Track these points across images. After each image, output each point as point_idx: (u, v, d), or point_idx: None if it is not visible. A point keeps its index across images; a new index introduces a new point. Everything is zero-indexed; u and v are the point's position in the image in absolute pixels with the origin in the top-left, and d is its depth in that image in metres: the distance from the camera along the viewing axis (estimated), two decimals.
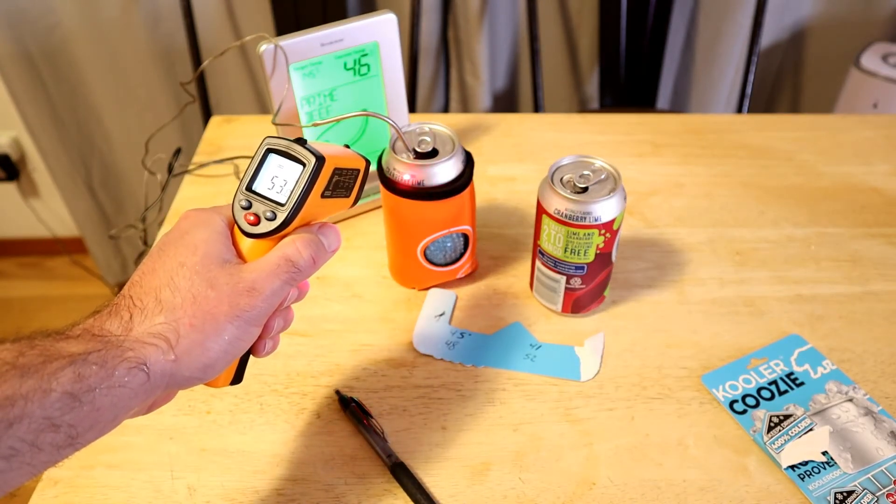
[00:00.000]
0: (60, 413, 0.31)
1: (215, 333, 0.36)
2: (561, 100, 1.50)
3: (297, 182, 0.40)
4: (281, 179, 0.40)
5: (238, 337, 0.37)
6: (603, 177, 0.55)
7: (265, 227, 0.40)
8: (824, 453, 0.50)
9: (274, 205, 0.40)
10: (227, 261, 0.38)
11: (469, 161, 0.58)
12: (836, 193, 0.75)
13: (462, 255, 0.62)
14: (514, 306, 0.63)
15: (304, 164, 0.40)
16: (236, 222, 0.40)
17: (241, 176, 0.41)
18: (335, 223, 0.72)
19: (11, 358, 0.31)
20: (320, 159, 0.40)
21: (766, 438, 0.51)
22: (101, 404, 0.32)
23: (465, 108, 1.48)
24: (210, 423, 0.54)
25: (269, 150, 0.41)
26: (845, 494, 0.48)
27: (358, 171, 0.45)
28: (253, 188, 0.40)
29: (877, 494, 0.47)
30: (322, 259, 0.41)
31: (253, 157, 0.41)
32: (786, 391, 0.55)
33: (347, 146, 0.47)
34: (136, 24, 1.34)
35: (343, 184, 0.43)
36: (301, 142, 0.40)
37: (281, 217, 0.40)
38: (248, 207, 0.40)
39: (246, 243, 0.41)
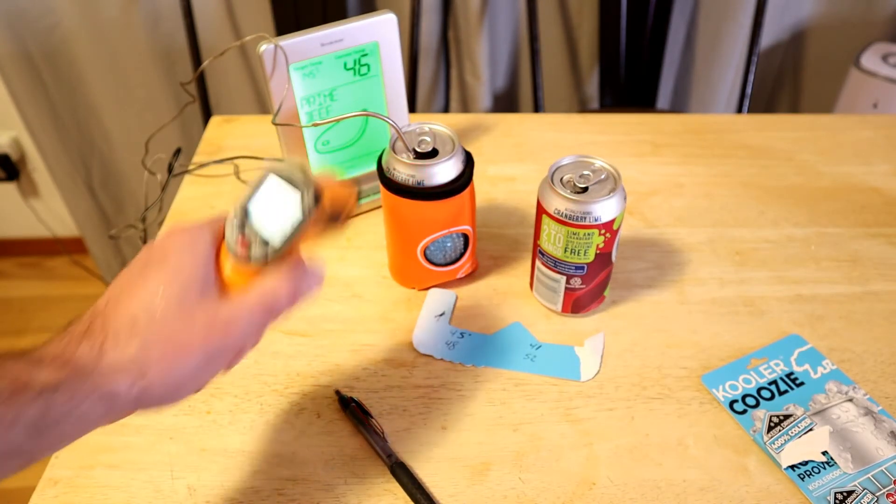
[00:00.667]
0: (23, 441, 0.31)
1: (186, 365, 0.36)
2: (561, 100, 1.50)
3: (293, 213, 0.39)
4: (278, 207, 0.39)
5: (208, 368, 0.37)
6: (603, 177, 0.55)
7: (256, 253, 0.39)
8: (824, 453, 0.50)
9: (268, 233, 0.39)
10: (207, 291, 0.38)
11: (469, 161, 0.58)
12: (836, 193, 0.75)
13: (462, 255, 0.62)
14: (514, 306, 0.63)
15: (301, 196, 0.39)
16: (227, 242, 0.40)
17: (241, 196, 0.40)
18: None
19: None
20: (318, 194, 0.39)
21: (766, 438, 0.51)
22: (65, 432, 0.33)
23: (465, 108, 1.48)
24: (210, 423, 0.54)
25: (270, 172, 0.40)
26: (845, 494, 0.48)
27: (350, 200, 0.43)
28: (249, 211, 0.40)
29: (877, 494, 0.47)
30: (301, 301, 0.40)
31: (255, 179, 0.41)
32: (786, 391, 0.55)
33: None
34: (136, 24, 1.34)
35: (336, 213, 0.42)
36: (304, 171, 0.40)
37: (272, 248, 0.39)
38: (242, 231, 0.39)
39: (230, 264, 0.40)
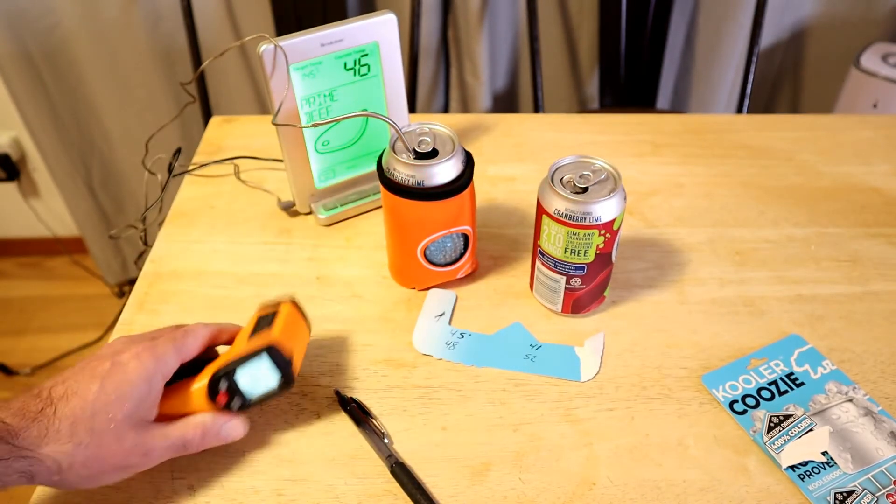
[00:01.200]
0: None
1: (102, 472, 0.44)
2: (561, 100, 1.50)
3: (271, 384, 0.48)
4: (259, 378, 0.48)
5: (117, 475, 0.45)
6: (603, 177, 0.55)
7: (234, 405, 0.48)
8: (824, 453, 0.50)
9: (248, 393, 0.48)
10: (144, 419, 0.45)
11: (469, 161, 0.58)
12: (836, 193, 0.75)
13: (462, 255, 0.62)
14: (514, 306, 0.63)
15: (282, 384, 0.49)
16: (208, 388, 0.47)
17: (233, 358, 0.49)
18: (338, 221, 0.72)
19: None
20: (291, 379, 0.49)
21: (766, 439, 0.51)
22: None
23: (465, 108, 1.48)
24: None
25: (268, 351, 0.48)
26: (845, 495, 0.48)
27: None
28: (236, 375, 0.48)
29: (877, 495, 0.47)
30: (212, 445, 0.48)
31: (252, 351, 0.48)
32: (786, 391, 0.55)
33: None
34: (136, 24, 1.34)
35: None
36: (287, 364, 0.49)
37: (246, 403, 0.48)
38: (226, 390, 0.48)
39: (178, 396, 0.48)
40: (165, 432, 0.46)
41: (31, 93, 1.41)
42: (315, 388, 0.56)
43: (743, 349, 0.58)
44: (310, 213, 0.73)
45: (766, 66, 1.44)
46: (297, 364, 0.50)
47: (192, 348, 0.48)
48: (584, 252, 0.55)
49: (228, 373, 0.47)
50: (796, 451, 0.50)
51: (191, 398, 0.48)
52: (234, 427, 0.49)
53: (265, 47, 0.61)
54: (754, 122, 0.86)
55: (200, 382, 0.48)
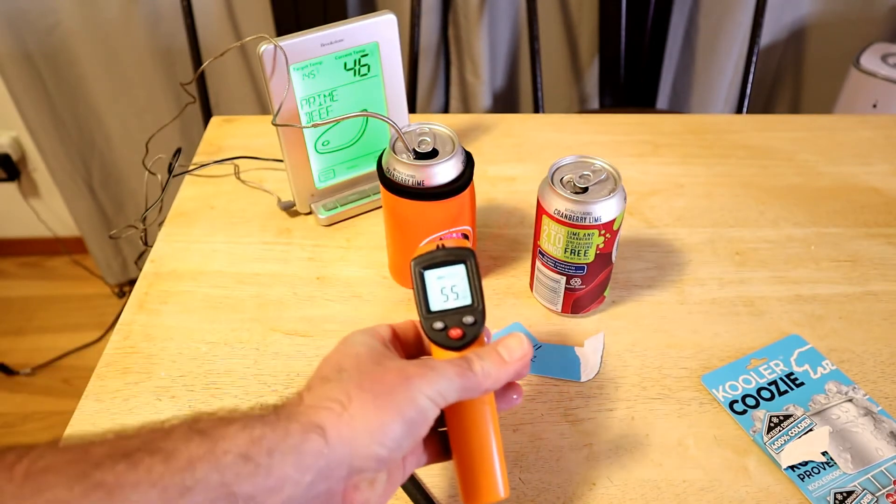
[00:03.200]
0: (236, 478, 0.30)
1: (385, 394, 0.35)
2: (561, 99, 1.50)
3: (468, 279, 0.42)
4: (449, 287, 0.42)
5: (410, 405, 0.35)
6: (603, 177, 0.55)
7: (471, 331, 0.40)
8: (824, 453, 0.50)
9: (465, 310, 0.41)
10: (392, 358, 0.38)
11: (469, 161, 0.58)
12: (836, 193, 0.75)
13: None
14: (514, 306, 0.63)
15: (464, 262, 0.42)
16: (438, 345, 0.40)
17: (416, 305, 0.42)
18: (338, 221, 0.72)
19: (190, 423, 0.31)
20: (471, 251, 0.42)
21: (765, 439, 0.51)
22: (279, 473, 0.31)
23: (466, 107, 1.48)
24: None
25: (422, 269, 0.42)
26: (845, 495, 0.48)
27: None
28: (433, 309, 0.41)
29: (876, 495, 0.48)
30: (500, 372, 0.38)
31: (413, 283, 0.42)
32: (786, 391, 0.55)
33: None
34: (136, 24, 1.34)
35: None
36: (441, 247, 0.43)
37: (479, 314, 0.41)
38: (447, 327, 0.40)
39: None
40: (435, 362, 0.38)
41: (31, 93, 1.41)
42: None
43: (743, 349, 0.58)
44: (310, 213, 0.73)
45: (766, 66, 1.44)
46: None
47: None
48: (584, 252, 0.55)
49: (426, 315, 0.41)
50: (796, 451, 0.50)
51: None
52: (510, 341, 0.39)
53: (265, 47, 0.61)
54: (754, 122, 0.86)
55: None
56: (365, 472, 0.34)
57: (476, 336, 0.40)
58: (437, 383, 0.36)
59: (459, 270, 0.42)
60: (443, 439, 0.41)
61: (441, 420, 0.38)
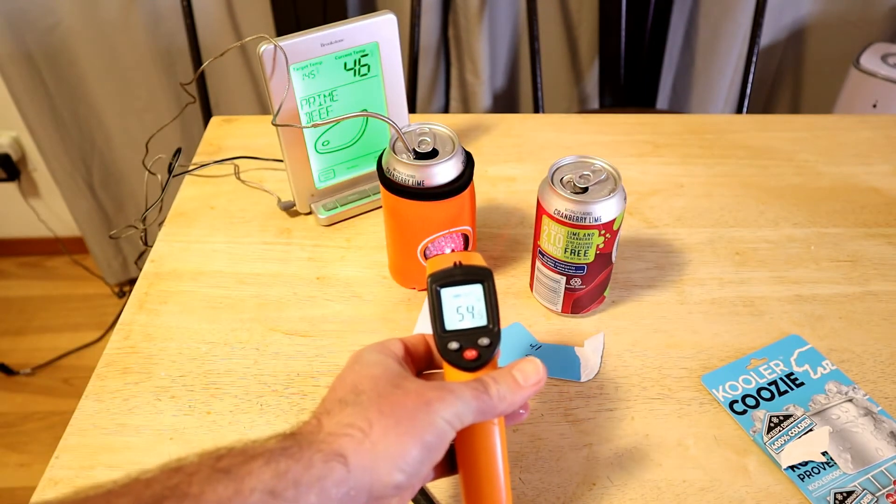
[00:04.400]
0: None
1: (406, 419, 0.35)
2: (561, 99, 1.50)
3: (485, 300, 0.41)
4: (465, 307, 0.41)
5: (430, 429, 0.35)
6: (603, 177, 0.55)
7: (486, 353, 0.40)
8: (824, 454, 0.50)
9: (481, 331, 0.41)
10: (408, 378, 0.38)
11: (469, 161, 0.58)
12: (836, 193, 0.75)
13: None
14: (514, 306, 0.63)
15: (482, 283, 0.42)
16: (452, 365, 0.40)
17: (431, 322, 0.42)
18: (338, 221, 0.72)
19: (212, 462, 0.31)
20: (489, 271, 0.42)
21: (765, 439, 0.51)
22: (306, 503, 0.31)
23: (466, 107, 1.48)
24: (210, 423, 0.54)
25: (439, 287, 0.42)
26: (845, 495, 0.48)
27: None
28: (448, 329, 0.41)
29: (876, 495, 0.48)
30: (515, 396, 0.38)
31: (429, 300, 0.42)
32: (786, 391, 0.55)
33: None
34: (136, 24, 1.34)
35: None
36: (459, 265, 0.42)
37: (495, 336, 0.40)
38: (462, 348, 0.40)
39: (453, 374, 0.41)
40: (451, 384, 0.38)
41: (31, 93, 1.41)
42: (315, 388, 0.56)
43: (743, 349, 0.58)
44: (310, 213, 0.73)
45: (766, 66, 1.44)
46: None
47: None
48: (584, 252, 0.55)
49: (442, 334, 0.41)
50: (796, 451, 0.50)
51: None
52: (525, 366, 0.40)
53: (265, 47, 0.61)
54: (754, 122, 0.86)
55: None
56: (383, 499, 0.35)
57: (491, 358, 0.40)
58: (454, 406, 0.36)
59: (476, 290, 0.42)
60: (449, 456, 0.41)
61: None
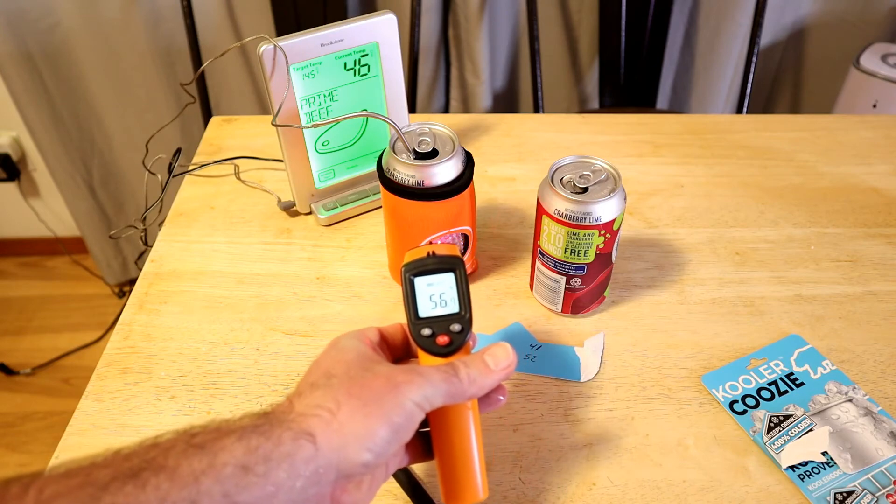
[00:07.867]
0: (236, 488, 0.31)
1: (374, 401, 0.36)
2: (561, 100, 1.50)
3: (457, 287, 0.43)
4: (438, 295, 0.43)
5: (397, 410, 0.36)
6: (603, 177, 0.55)
7: (458, 339, 0.41)
8: (824, 454, 0.50)
9: (453, 318, 0.42)
10: (381, 363, 0.39)
11: (469, 161, 0.58)
12: (836, 193, 0.75)
13: (462, 255, 0.62)
14: (514, 306, 0.63)
15: (453, 271, 0.43)
16: (426, 351, 0.41)
17: (405, 310, 0.43)
18: (338, 221, 0.72)
19: (187, 438, 0.33)
20: (460, 259, 0.43)
21: (766, 439, 0.51)
22: (274, 479, 0.32)
23: (466, 107, 1.48)
24: None
25: (412, 276, 0.43)
26: (845, 495, 0.48)
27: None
28: (422, 316, 0.42)
29: (876, 495, 0.48)
30: (486, 380, 0.39)
31: (403, 288, 0.43)
32: (786, 391, 0.55)
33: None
34: (136, 24, 1.34)
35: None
36: (432, 255, 0.44)
37: (466, 322, 0.42)
38: (435, 334, 0.42)
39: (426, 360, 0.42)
40: (421, 367, 0.39)
41: (31, 93, 1.41)
42: None
43: (743, 349, 0.58)
44: (310, 213, 0.73)
45: (766, 66, 1.44)
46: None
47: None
48: (584, 252, 0.55)
49: (415, 321, 0.42)
50: (796, 451, 0.50)
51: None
52: (497, 351, 0.41)
53: (265, 47, 0.61)
54: (754, 122, 0.86)
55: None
56: (352, 477, 0.36)
57: (462, 344, 0.41)
58: (423, 388, 0.37)
59: (448, 279, 0.43)
60: (425, 441, 0.42)
61: (424, 422, 0.38)
